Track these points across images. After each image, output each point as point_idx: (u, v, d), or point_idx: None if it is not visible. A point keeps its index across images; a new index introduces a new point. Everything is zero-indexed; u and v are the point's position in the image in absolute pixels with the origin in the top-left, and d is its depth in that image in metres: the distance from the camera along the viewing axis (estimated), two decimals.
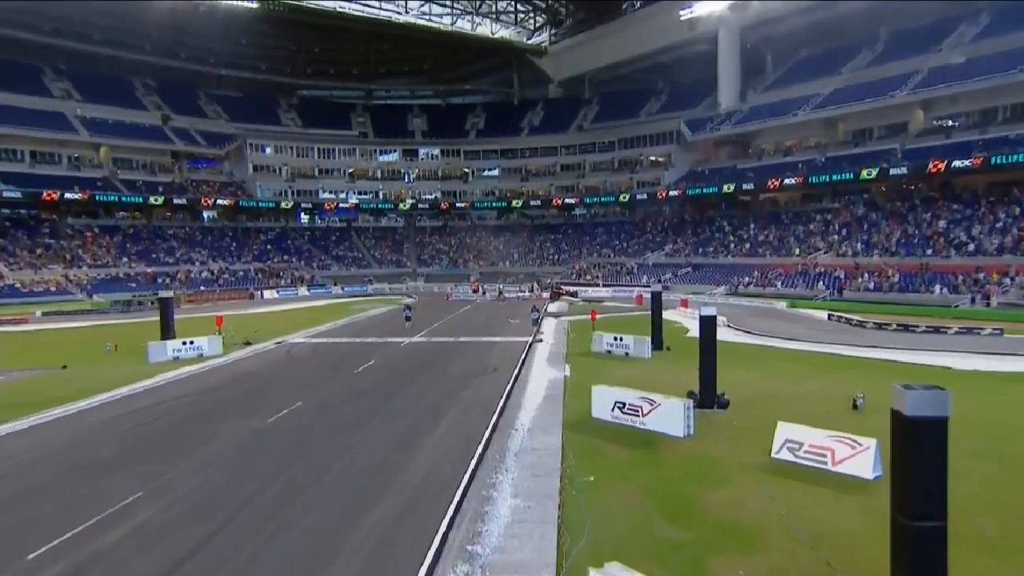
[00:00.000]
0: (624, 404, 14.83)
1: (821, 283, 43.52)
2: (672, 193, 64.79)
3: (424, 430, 14.81)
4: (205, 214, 69.14)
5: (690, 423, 14.04)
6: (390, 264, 74.01)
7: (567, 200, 76.17)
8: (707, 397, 15.85)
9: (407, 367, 22.49)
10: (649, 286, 52.37)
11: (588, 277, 62.33)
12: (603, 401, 15.18)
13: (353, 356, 24.70)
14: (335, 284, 64.64)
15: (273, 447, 13.72)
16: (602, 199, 73.88)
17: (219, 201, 67.16)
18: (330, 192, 77.11)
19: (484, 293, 56.67)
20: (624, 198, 71.22)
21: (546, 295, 54.13)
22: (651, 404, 14.48)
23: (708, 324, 16.32)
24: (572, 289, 55.05)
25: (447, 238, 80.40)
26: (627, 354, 23.59)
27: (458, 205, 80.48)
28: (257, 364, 23.57)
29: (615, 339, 24.27)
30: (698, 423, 14.34)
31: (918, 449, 6.88)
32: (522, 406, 16.52)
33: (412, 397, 17.95)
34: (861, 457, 11.20)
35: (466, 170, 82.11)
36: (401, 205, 78.90)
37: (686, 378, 17.87)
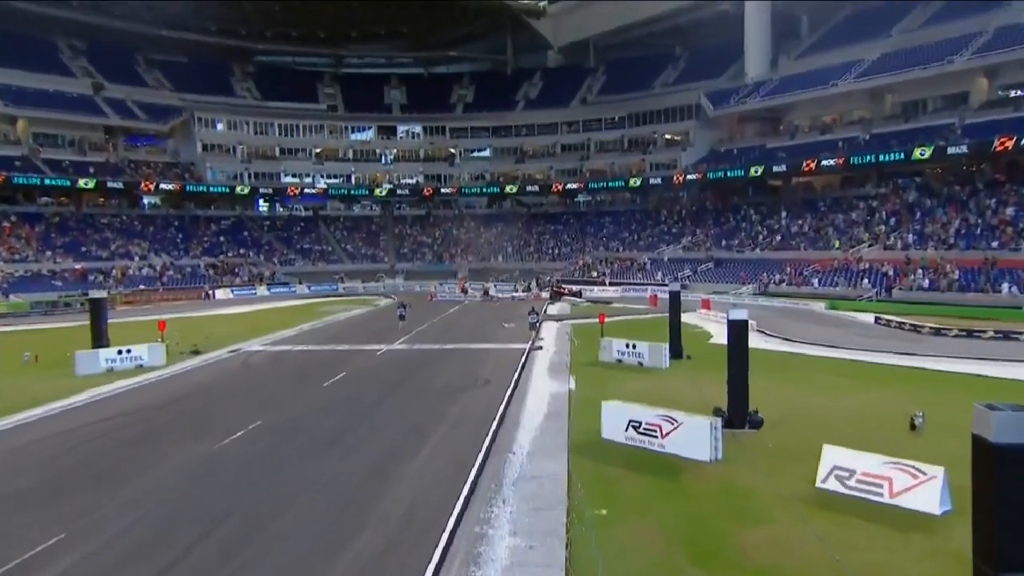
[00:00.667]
0: (640, 423, 14.72)
1: (866, 281, 43.51)
2: (691, 177, 64.91)
3: (405, 454, 14.65)
4: (145, 200, 68.55)
5: (718, 446, 13.90)
6: (364, 259, 74.10)
7: (569, 185, 76.33)
8: (737, 415, 15.79)
9: (385, 379, 22.55)
10: (665, 284, 52.37)
11: (593, 274, 62.46)
12: (615, 420, 15.12)
13: (322, 366, 24.85)
14: (300, 282, 64.77)
15: (225, 476, 13.59)
16: (609, 184, 74.04)
17: (162, 185, 66.47)
18: (294, 175, 77.04)
19: (466, 292, 57.01)
20: (635, 183, 71.42)
21: (545, 295, 54.30)
22: (672, 423, 14.34)
23: (738, 330, 16.21)
24: (575, 288, 55.21)
25: (430, 229, 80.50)
26: (641, 364, 23.74)
27: (443, 191, 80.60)
28: (208, 377, 23.64)
29: (627, 346, 24.42)
30: (727, 445, 14.24)
31: (1007, 483, 6.58)
32: (520, 425, 16.59)
33: (391, 415, 18.02)
34: (925, 488, 11.00)
35: (452, 150, 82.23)
36: (377, 191, 78.99)
37: (711, 392, 17.93)
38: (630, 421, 14.81)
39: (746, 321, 16.42)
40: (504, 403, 18.70)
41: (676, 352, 24.52)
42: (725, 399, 16.08)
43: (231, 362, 26.27)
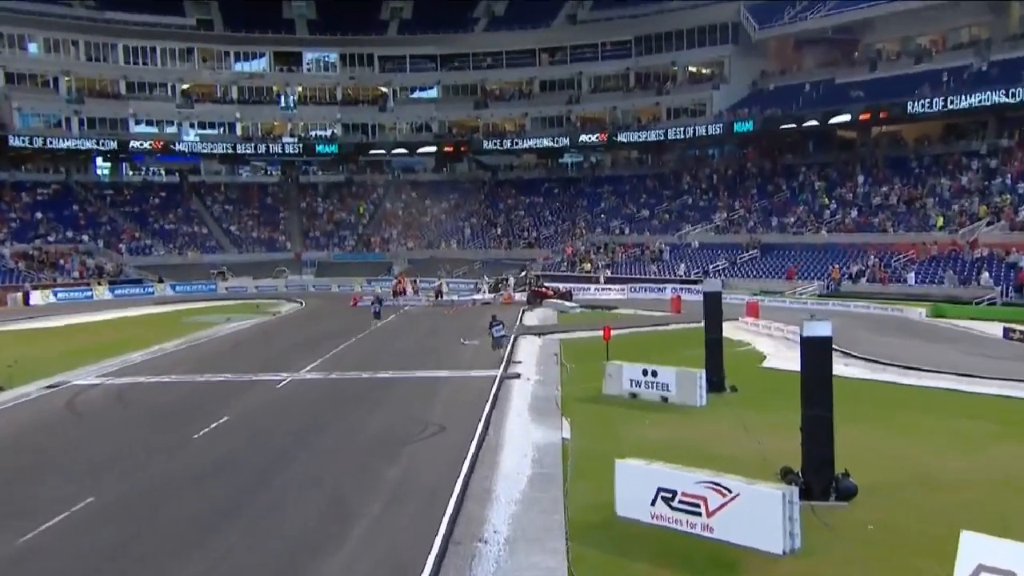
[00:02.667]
0: (674, 493, 14.28)
1: (985, 275, 43.94)
2: (723, 127, 65.05)
3: (318, 550, 14.00)
4: None
5: (793, 528, 13.37)
6: (257, 246, 73.98)
7: (551, 141, 76.17)
8: (819, 479, 15.48)
9: (287, 426, 22.32)
10: (692, 281, 52.45)
11: (587, 267, 62.47)
12: (636, 487, 14.86)
13: (192, 408, 24.71)
14: (160, 281, 64.33)
15: None
16: (610, 138, 74.05)
17: None
18: (148, 123, 76.15)
19: (417, 293, 57.37)
20: (647, 137, 71.63)
21: (520, 297, 54.51)
22: (723, 494, 13.85)
23: (818, 352, 15.89)
24: (563, 288, 55.54)
25: (353, 202, 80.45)
26: (665, 399, 23.75)
27: (372, 149, 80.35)
28: (11, 426, 23.16)
29: (644, 373, 24.49)
30: (807, 527, 13.72)
31: None
32: (493, 496, 16.46)
33: (298, 483, 17.75)
34: None
35: (383, 89, 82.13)
36: (275, 147, 78.62)
37: (773, 444, 17.87)
38: (659, 490, 14.43)
39: (829, 339, 16.06)
40: (468, 461, 18.61)
41: (716, 382, 24.49)
42: (797, 455, 15.82)
43: (49, 403, 25.88)
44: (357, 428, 22.04)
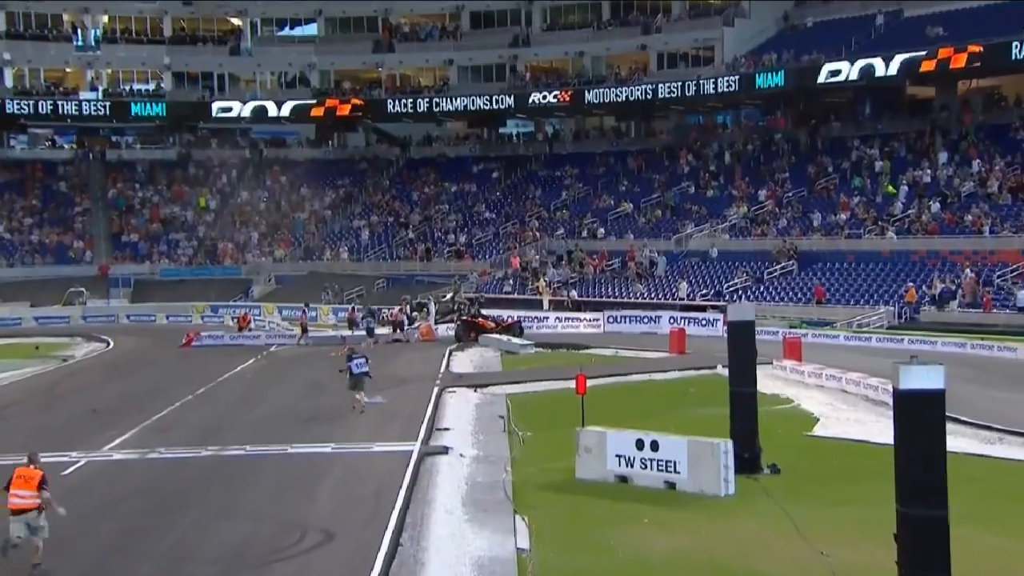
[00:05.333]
0: None
1: None
2: (740, 81, 65.32)
3: None
4: None
5: None
6: (38, 255, 73.45)
7: (487, 101, 76.29)
8: None
9: (76, 546, 20.72)
10: (699, 305, 52.25)
11: (541, 284, 62.50)
12: None
13: None
14: None
15: None
16: (575, 99, 74.31)
17: None
18: None
19: (303, 334, 56.32)
20: (628, 95, 71.66)
21: (443, 331, 55.04)
22: None
23: (923, 416, 15.37)
24: (508, 317, 55.86)
25: (191, 191, 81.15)
26: (673, 485, 23.37)
27: (219, 110, 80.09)
28: None
29: (639, 446, 24.11)
30: None
31: None
32: None
33: None
34: None
35: (235, 21, 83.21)
36: (67, 106, 78.16)
37: (846, 555, 17.76)
38: None
39: (942, 395, 15.41)
40: None
41: (748, 459, 24.26)
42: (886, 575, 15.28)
43: None
44: (193, 542, 20.87)
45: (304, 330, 55.54)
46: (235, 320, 60.63)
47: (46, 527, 17.82)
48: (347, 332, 56.24)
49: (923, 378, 15.26)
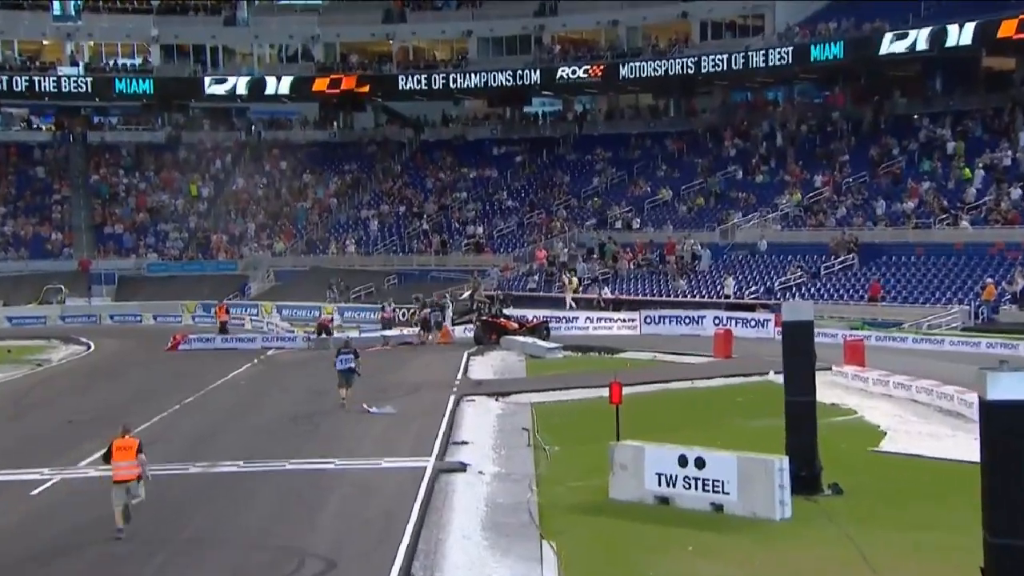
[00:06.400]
0: None
1: None
2: (793, 53, 65.23)
3: None
4: None
5: None
6: (12, 248, 74.32)
7: (510, 77, 76.53)
8: None
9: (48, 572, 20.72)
10: (748, 304, 51.94)
11: (573, 283, 62.03)
12: None
13: None
14: None
15: None
16: (608, 74, 74.58)
17: None
18: None
19: (319, 335, 56.44)
20: (667, 70, 71.68)
21: (462, 332, 55.28)
22: None
23: (1019, 429, 14.68)
24: (533, 317, 55.92)
25: (182, 177, 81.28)
26: (720, 508, 23.12)
27: (213, 88, 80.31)
28: None
29: (682, 463, 23.87)
30: None
31: None
32: None
33: None
34: None
35: None
36: (45, 83, 78.35)
37: None
38: None
39: None
40: None
41: (807, 477, 23.96)
42: None
43: None
44: (184, 567, 20.63)
45: (323, 331, 55.24)
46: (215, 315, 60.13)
47: (143, 493, 21.22)
48: (388, 332, 56.33)
49: (1016, 387, 14.72)
